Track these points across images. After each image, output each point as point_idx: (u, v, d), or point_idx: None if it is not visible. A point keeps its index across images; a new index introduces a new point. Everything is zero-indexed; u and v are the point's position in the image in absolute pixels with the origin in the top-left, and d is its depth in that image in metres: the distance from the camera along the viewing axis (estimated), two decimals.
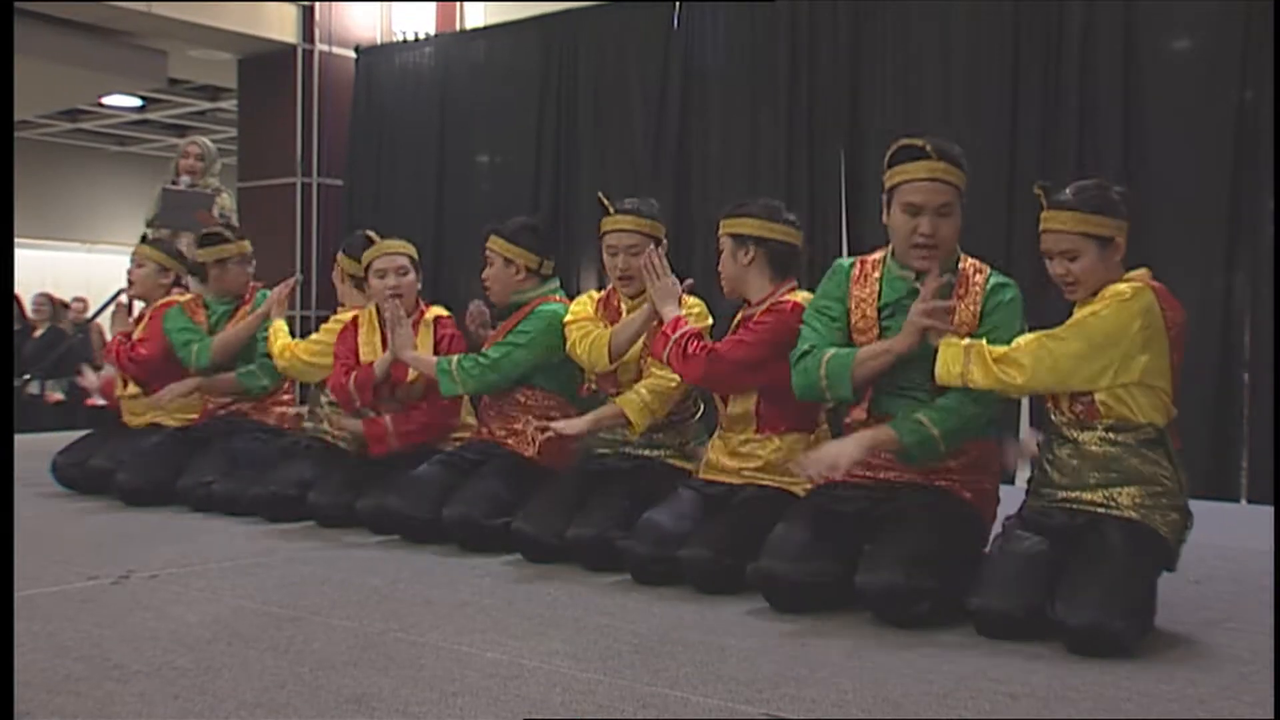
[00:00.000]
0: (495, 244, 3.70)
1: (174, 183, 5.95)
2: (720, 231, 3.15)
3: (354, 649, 2.37)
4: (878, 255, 2.89)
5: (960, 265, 2.81)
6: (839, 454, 2.66)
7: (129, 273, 4.74)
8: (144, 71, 8.01)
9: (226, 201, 6.02)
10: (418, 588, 2.94)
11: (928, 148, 2.72)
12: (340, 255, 4.22)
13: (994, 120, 5.08)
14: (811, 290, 3.02)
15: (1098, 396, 2.50)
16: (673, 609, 2.71)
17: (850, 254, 5.47)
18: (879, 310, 2.80)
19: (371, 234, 4.06)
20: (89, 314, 4.43)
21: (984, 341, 2.58)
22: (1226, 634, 2.52)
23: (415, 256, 3.96)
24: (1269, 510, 3.69)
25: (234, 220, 5.99)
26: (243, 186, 7.66)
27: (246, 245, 4.65)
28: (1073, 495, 2.53)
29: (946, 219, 2.75)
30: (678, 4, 6.10)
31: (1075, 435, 2.55)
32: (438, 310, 3.99)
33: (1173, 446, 2.54)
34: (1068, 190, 2.58)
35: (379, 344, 3.87)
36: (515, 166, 6.79)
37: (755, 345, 2.98)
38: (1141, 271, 2.57)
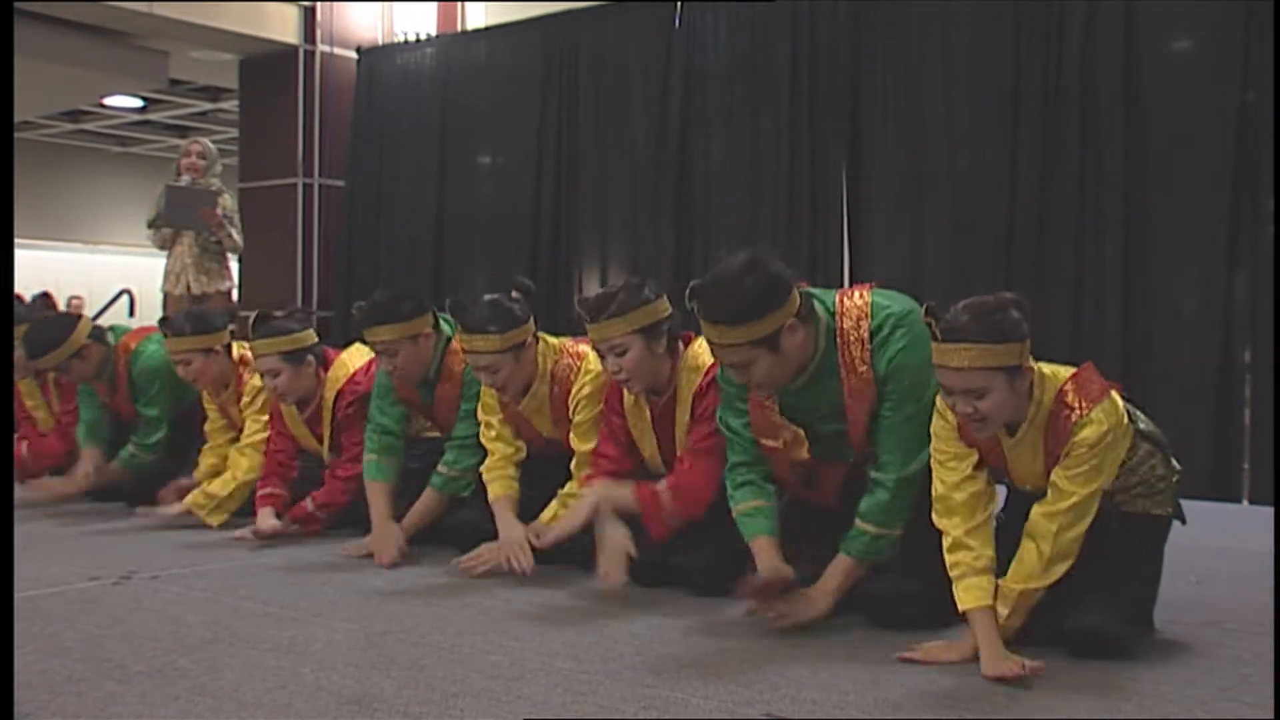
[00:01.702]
0: (386, 332, 3.26)
1: (175, 182, 5.95)
2: (619, 331, 2.75)
3: (355, 650, 2.37)
4: None
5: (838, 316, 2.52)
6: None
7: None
8: (145, 72, 8.01)
9: (228, 202, 6.02)
10: (419, 588, 2.95)
11: None
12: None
13: (995, 120, 5.08)
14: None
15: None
16: (674, 610, 2.71)
17: (851, 256, 5.52)
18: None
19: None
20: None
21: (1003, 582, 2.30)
22: (1227, 635, 2.52)
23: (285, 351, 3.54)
24: (1270, 511, 3.69)
25: (237, 220, 5.99)
26: (244, 187, 7.66)
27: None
28: None
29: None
30: (679, 5, 6.11)
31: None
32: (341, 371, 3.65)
33: (1139, 416, 2.44)
34: (963, 315, 2.21)
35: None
36: (516, 167, 6.79)
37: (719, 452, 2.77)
38: (1062, 378, 2.32)
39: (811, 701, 2.07)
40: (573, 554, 3.09)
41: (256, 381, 3.79)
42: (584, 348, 3.13)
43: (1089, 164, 4.85)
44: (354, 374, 3.60)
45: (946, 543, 2.37)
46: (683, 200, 6.06)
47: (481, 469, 3.26)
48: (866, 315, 2.49)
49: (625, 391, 2.94)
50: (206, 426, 4.03)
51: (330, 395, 3.62)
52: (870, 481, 2.54)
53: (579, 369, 3.13)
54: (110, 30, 7.35)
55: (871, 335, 2.48)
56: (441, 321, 3.40)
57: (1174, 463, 2.46)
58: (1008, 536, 2.40)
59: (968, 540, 2.33)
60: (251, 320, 3.55)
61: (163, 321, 3.98)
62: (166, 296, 5.96)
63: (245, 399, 3.86)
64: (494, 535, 3.21)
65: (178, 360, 3.85)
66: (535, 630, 2.54)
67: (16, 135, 12.68)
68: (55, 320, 4.10)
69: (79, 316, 4.10)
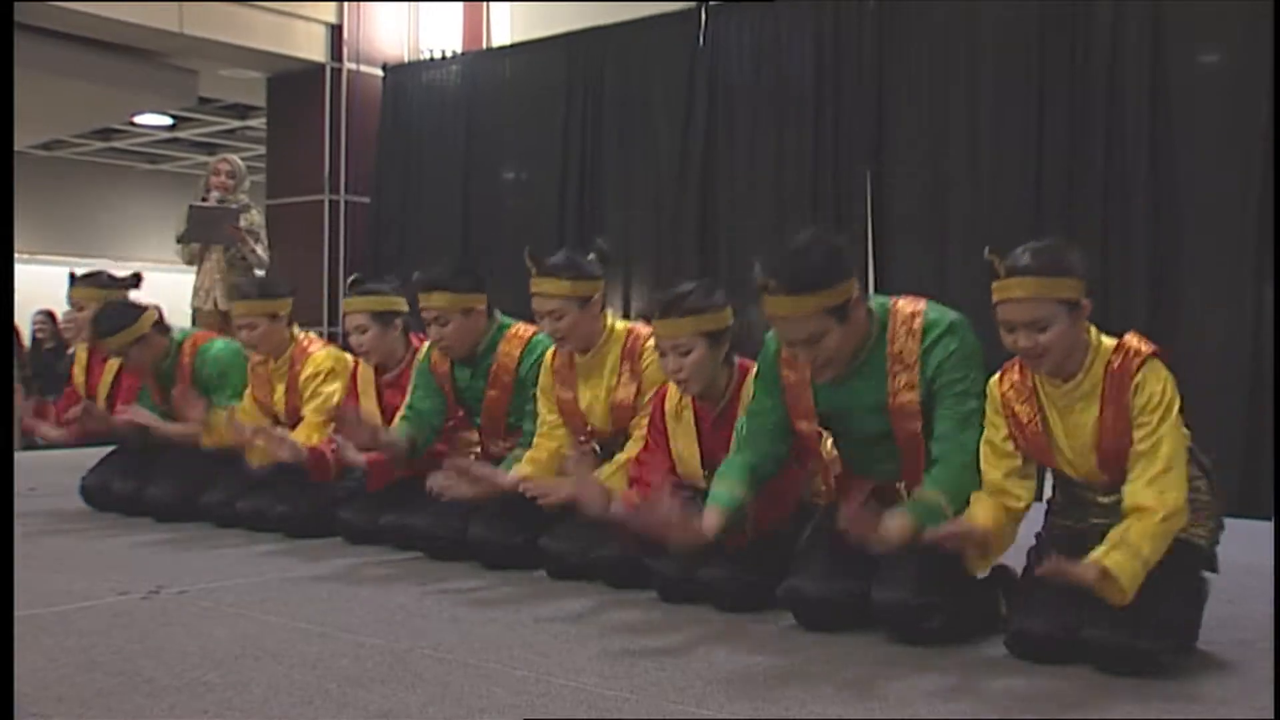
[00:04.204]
0: (440, 299, 3.39)
1: (203, 199, 6.01)
2: (686, 331, 2.80)
3: (381, 665, 2.38)
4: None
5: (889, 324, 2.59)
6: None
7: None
8: (175, 91, 8.11)
9: (256, 217, 6.08)
10: (444, 604, 2.95)
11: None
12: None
13: (1020, 131, 5.06)
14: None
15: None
16: (699, 627, 2.71)
17: (876, 270, 5.51)
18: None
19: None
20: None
21: (1112, 553, 2.24)
22: (1259, 654, 2.48)
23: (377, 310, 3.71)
24: None
25: (263, 236, 6.04)
26: (271, 204, 7.72)
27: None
28: (1101, 518, 2.48)
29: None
30: (703, 20, 6.13)
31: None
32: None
33: (1203, 454, 2.48)
34: (1023, 253, 2.33)
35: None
36: (541, 183, 6.82)
37: None
38: (1130, 340, 2.41)
39: (839, 715, 2.06)
40: (599, 572, 3.09)
41: (321, 358, 3.92)
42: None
43: (1114, 175, 4.82)
44: None
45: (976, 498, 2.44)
46: (707, 214, 6.07)
47: (525, 453, 3.29)
48: (921, 315, 2.58)
49: (668, 400, 2.96)
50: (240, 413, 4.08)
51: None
52: (933, 460, 2.56)
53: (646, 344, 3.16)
54: (141, 50, 7.44)
55: (924, 333, 2.54)
56: (498, 314, 3.47)
57: (1216, 505, 2.48)
58: (1041, 559, 2.41)
59: (991, 499, 2.41)
60: (349, 282, 3.72)
61: (232, 288, 4.18)
62: (195, 312, 6.02)
63: (308, 370, 3.94)
64: (508, 553, 3.25)
65: (242, 325, 4.00)
66: (562, 646, 2.54)
67: (48, 154, 12.87)
68: (125, 304, 4.27)
69: (148, 306, 4.25)
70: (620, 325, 3.27)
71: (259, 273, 6.19)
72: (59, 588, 3.09)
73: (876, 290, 5.45)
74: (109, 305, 4.26)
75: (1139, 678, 2.25)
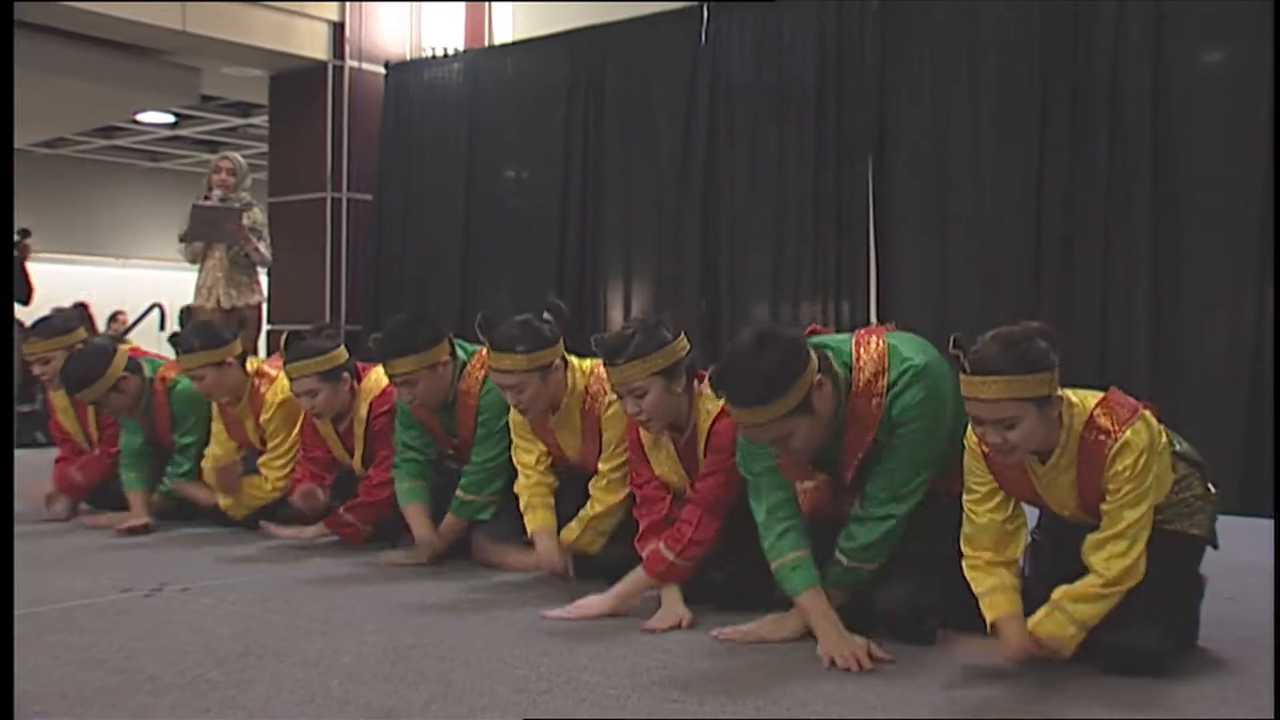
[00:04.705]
0: (404, 364, 3.25)
1: (205, 198, 6.01)
2: (640, 375, 2.70)
3: (384, 663, 2.38)
4: None
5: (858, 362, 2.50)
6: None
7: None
8: (178, 88, 8.13)
9: (258, 216, 6.07)
10: (446, 602, 2.95)
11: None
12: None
13: (1022, 132, 5.06)
14: None
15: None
16: (701, 625, 2.70)
17: (877, 268, 5.51)
18: None
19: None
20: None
21: (1061, 596, 2.25)
22: (1261, 651, 2.48)
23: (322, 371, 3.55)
24: None
25: (265, 234, 6.05)
26: (273, 202, 7.73)
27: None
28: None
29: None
30: (705, 19, 6.12)
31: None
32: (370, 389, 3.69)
33: (1175, 437, 2.45)
34: (991, 346, 2.21)
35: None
36: (542, 181, 6.82)
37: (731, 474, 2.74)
38: (1091, 403, 2.32)
39: (838, 717, 2.06)
40: (602, 571, 3.09)
41: (274, 396, 3.85)
42: None
43: (1115, 175, 4.82)
44: (386, 387, 3.61)
45: (972, 564, 2.37)
46: (708, 213, 6.07)
47: (517, 489, 3.24)
48: (884, 369, 2.48)
49: (642, 432, 2.91)
50: (206, 452, 4.06)
51: (364, 408, 3.65)
52: (852, 519, 2.54)
53: (607, 390, 3.12)
54: (143, 48, 7.45)
55: (888, 388, 2.47)
56: (457, 346, 3.42)
57: (1210, 487, 2.47)
58: (1042, 551, 2.39)
59: (994, 569, 2.36)
60: (283, 342, 3.57)
61: (173, 339, 4.02)
62: (197, 311, 6.01)
63: (265, 415, 3.90)
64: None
65: (191, 376, 3.92)
66: (563, 644, 2.54)
67: (51, 152, 12.87)
68: (93, 352, 4.08)
69: (115, 350, 4.09)
70: (580, 377, 3.14)
71: (262, 274, 6.20)
72: (62, 585, 3.09)
73: (877, 288, 5.46)
74: (75, 357, 4.07)
75: (1140, 677, 2.25)
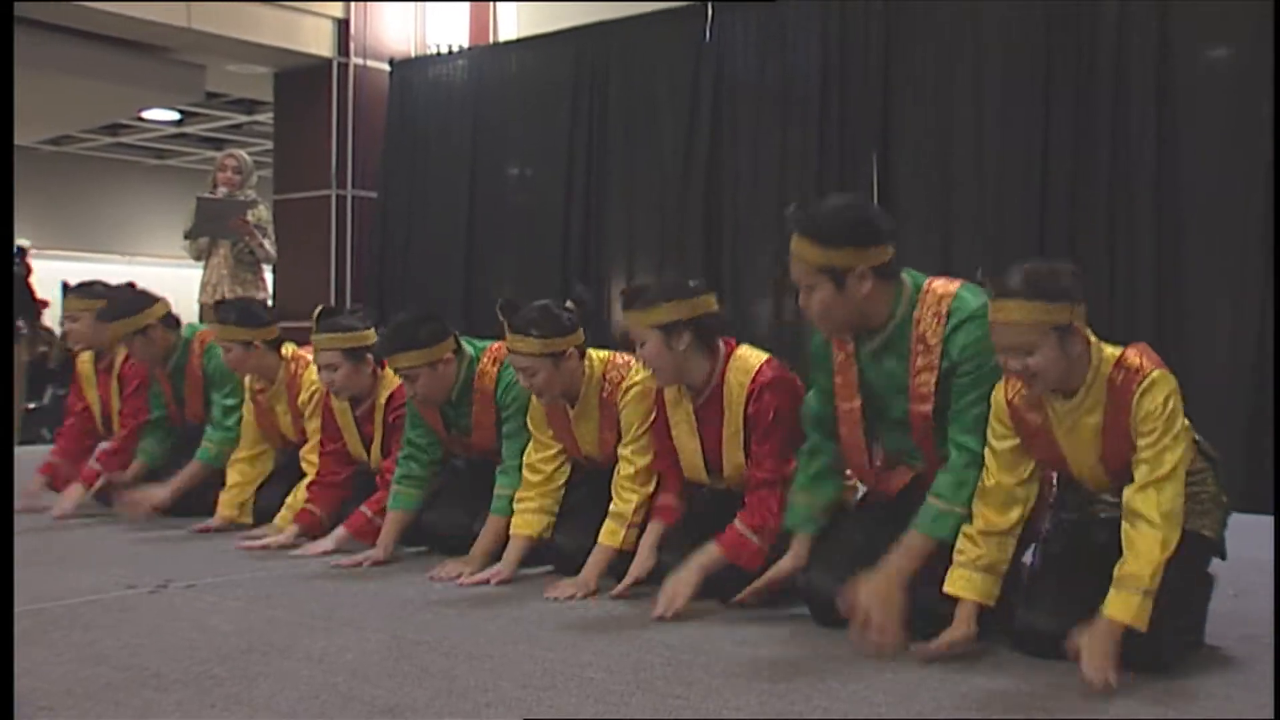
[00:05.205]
0: (405, 359, 3.28)
1: (210, 194, 6.01)
2: (640, 324, 2.83)
3: (388, 660, 2.39)
4: None
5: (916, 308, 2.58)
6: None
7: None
8: (182, 86, 8.13)
9: (263, 213, 6.08)
10: (450, 599, 2.96)
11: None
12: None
13: (1025, 132, 5.05)
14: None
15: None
16: (706, 620, 2.71)
17: None
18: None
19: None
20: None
21: (1125, 571, 2.22)
22: (1264, 648, 2.48)
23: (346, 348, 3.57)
24: None
25: (270, 231, 6.05)
26: (278, 199, 7.74)
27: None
28: (1107, 511, 2.48)
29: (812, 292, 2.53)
30: (709, 16, 6.12)
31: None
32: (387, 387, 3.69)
33: (1209, 446, 2.47)
34: (1017, 274, 2.28)
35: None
36: (547, 178, 6.82)
37: (786, 446, 2.85)
38: (1130, 351, 2.37)
39: (844, 713, 2.07)
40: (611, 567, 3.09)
41: (311, 376, 3.84)
42: (631, 358, 3.15)
43: (1119, 174, 4.81)
44: None
45: (965, 528, 2.41)
46: (711, 211, 6.07)
47: (519, 493, 3.25)
48: (950, 297, 2.55)
49: (666, 390, 2.99)
50: (241, 429, 4.08)
51: (384, 396, 3.66)
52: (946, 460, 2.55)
53: (625, 376, 3.15)
54: (148, 45, 7.46)
55: (948, 315, 2.53)
56: (464, 344, 3.42)
57: (1223, 494, 2.47)
58: (1050, 550, 2.39)
59: (982, 539, 2.38)
60: (315, 314, 3.59)
61: (217, 305, 4.13)
62: (202, 307, 6.02)
63: (303, 396, 3.91)
64: (452, 540, 3.32)
65: (221, 346, 3.98)
66: (567, 640, 2.54)
67: (56, 149, 12.89)
68: (136, 294, 4.24)
69: (159, 299, 4.21)
70: (599, 364, 3.19)
71: (266, 271, 6.20)
72: (67, 582, 3.10)
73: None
74: (119, 290, 4.24)
75: (1145, 674, 2.25)
